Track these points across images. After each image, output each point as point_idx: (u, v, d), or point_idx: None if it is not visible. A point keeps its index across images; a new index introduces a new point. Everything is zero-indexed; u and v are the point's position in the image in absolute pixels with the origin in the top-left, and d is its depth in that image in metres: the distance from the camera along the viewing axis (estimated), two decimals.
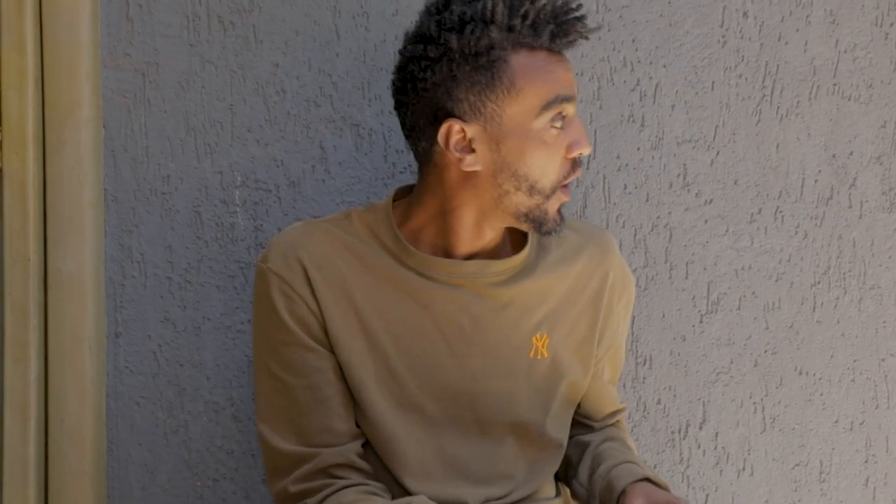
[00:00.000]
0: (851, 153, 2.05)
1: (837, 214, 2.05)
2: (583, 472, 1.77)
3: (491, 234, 1.66)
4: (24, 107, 1.92)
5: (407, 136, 1.65)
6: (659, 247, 2.02)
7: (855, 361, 2.08)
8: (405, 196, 1.73)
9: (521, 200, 1.60)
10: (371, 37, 1.95)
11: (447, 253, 1.66)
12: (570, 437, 1.82)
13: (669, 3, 1.99)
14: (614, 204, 2.00)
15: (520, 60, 1.56)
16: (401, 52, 1.62)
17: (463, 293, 1.65)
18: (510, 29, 1.54)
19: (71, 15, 1.91)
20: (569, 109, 1.59)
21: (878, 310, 2.08)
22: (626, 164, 2.00)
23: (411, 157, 1.94)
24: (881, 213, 2.06)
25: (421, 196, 1.67)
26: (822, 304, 2.06)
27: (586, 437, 1.81)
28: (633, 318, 2.02)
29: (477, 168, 1.59)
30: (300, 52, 1.94)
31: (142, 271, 1.97)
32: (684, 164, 2.01)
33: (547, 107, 1.56)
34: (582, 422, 1.83)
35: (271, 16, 1.94)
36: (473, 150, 1.58)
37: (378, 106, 1.95)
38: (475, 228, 1.64)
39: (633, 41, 1.99)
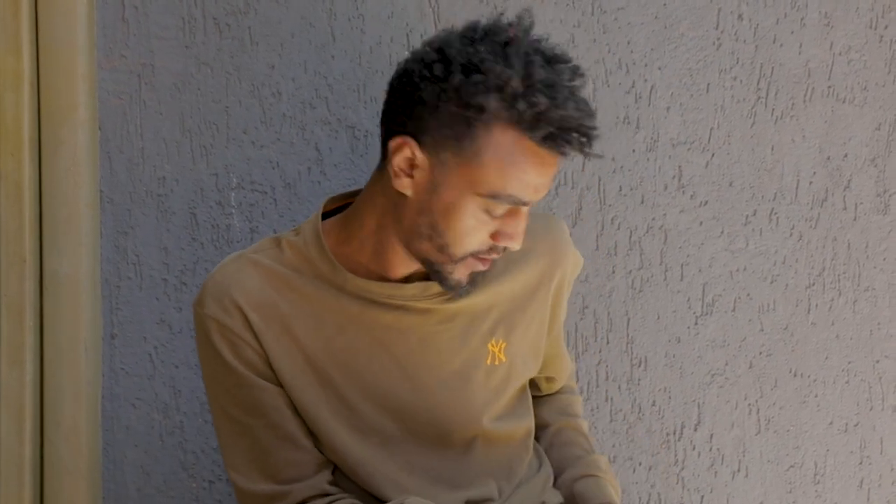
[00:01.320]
0: (846, 155, 2.05)
1: (832, 216, 2.05)
2: (543, 444, 1.81)
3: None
4: (19, 108, 1.92)
5: (381, 125, 1.59)
6: (654, 249, 2.02)
7: (849, 363, 2.08)
8: (335, 207, 1.68)
9: (429, 250, 1.54)
10: (367, 39, 1.95)
11: (382, 275, 1.61)
12: None
13: (664, 5, 1.99)
14: (609, 206, 2.01)
15: (503, 138, 1.48)
16: (423, 45, 1.55)
17: (405, 313, 1.62)
18: (512, 106, 1.46)
19: (67, 17, 1.91)
20: (520, 210, 1.53)
21: (872, 312, 2.08)
22: (621, 166, 2.00)
23: None
24: (875, 215, 2.06)
25: (361, 206, 1.62)
26: (816, 305, 2.06)
27: (542, 415, 1.82)
28: (629, 319, 2.02)
29: (407, 192, 1.53)
30: (296, 54, 1.94)
31: (137, 273, 1.97)
32: (679, 166, 2.01)
33: (493, 197, 1.49)
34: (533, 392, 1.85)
35: (267, 18, 1.94)
36: (412, 177, 1.53)
37: (374, 108, 1.95)
38: (406, 252, 1.60)
39: (629, 43, 1.99)
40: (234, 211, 1.96)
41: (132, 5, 1.94)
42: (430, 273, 1.58)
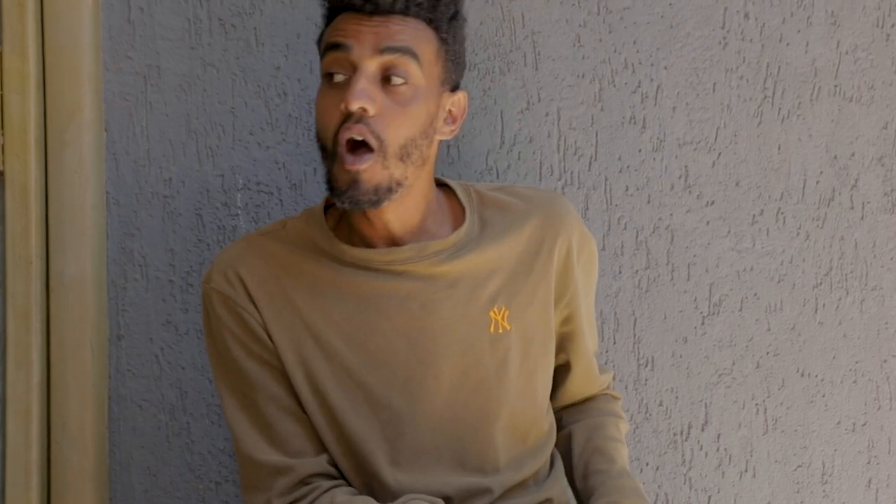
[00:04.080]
0: (853, 154, 2.05)
1: (839, 216, 2.05)
2: (577, 475, 1.77)
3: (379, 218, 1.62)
4: (25, 110, 1.92)
5: None
6: (660, 248, 2.02)
7: (857, 363, 2.08)
8: None
9: (323, 162, 1.59)
10: None
11: (375, 242, 1.64)
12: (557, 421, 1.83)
13: (670, 4, 1.99)
14: (616, 206, 2.01)
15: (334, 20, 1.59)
16: None
17: (406, 280, 1.63)
18: None
19: (72, 18, 1.91)
20: (342, 60, 1.54)
21: (879, 311, 2.08)
22: (628, 166, 2.00)
23: None
24: (883, 214, 2.06)
25: None
26: (823, 305, 2.06)
27: (572, 428, 1.81)
28: (635, 319, 2.02)
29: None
30: (301, 54, 1.94)
31: (144, 274, 1.97)
32: (686, 166, 2.01)
33: (322, 58, 1.56)
34: (567, 403, 1.83)
35: (272, 18, 1.94)
36: None
37: None
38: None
39: (635, 43, 1.99)
40: (240, 212, 1.96)
41: (138, 7, 1.94)
42: (330, 193, 1.58)
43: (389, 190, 1.56)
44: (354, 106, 1.51)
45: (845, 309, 2.07)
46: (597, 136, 1.99)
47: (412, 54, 1.54)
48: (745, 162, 2.02)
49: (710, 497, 2.06)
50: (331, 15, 1.60)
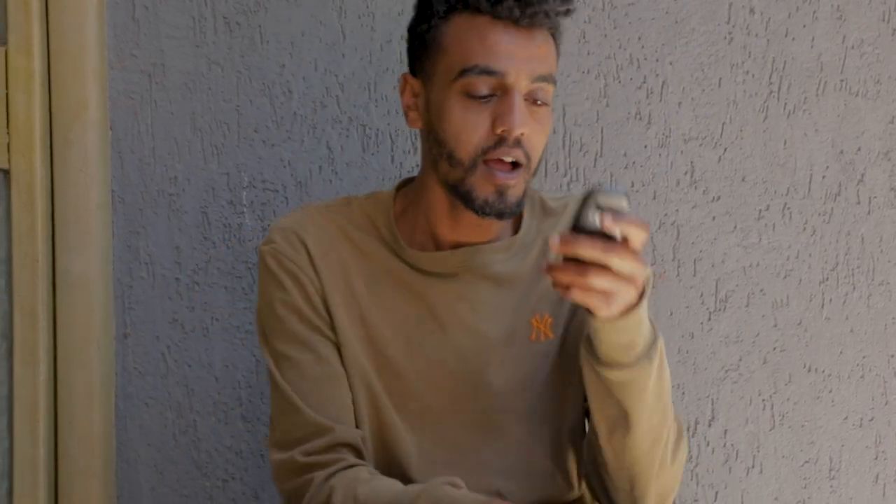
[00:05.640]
0: (859, 149, 2.04)
1: (845, 210, 2.05)
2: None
3: (468, 217, 1.61)
4: (30, 108, 1.92)
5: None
6: (666, 244, 2.01)
7: (864, 358, 2.07)
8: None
9: (446, 170, 1.57)
10: (377, 37, 1.95)
11: (437, 240, 1.63)
12: None
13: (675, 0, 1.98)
14: None
15: (458, 22, 1.54)
16: None
17: (458, 282, 1.63)
18: None
19: (77, 16, 1.92)
20: (493, 83, 1.54)
21: (886, 306, 2.07)
22: (633, 162, 2.00)
23: (418, 157, 1.94)
24: (889, 208, 2.06)
25: (416, 179, 1.67)
26: (830, 300, 2.05)
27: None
28: None
29: (419, 126, 1.60)
30: (306, 52, 1.94)
31: (150, 272, 1.97)
32: (691, 162, 2.01)
33: (463, 72, 1.53)
34: None
35: (277, 16, 1.94)
36: (418, 110, 1.60)
37: (385, 106, 1.95)
38: (451, 208, 1.61)
39: (640, 38, 1.98)
40: (245, 210, 1.96)
41: (143, 5, 1.94)
42: (462, 204, 1.57)
43: (522, 202, 1.58)
44: (518, 132, 1.53)
45: (852, 304, 2.06)
46: (602, 132, 1.99)
47: (553, 81, 1.57)
48: (751, 157, 2.02)
49: (717, 493, 2.06)
50: (452, 10, 1.56)
